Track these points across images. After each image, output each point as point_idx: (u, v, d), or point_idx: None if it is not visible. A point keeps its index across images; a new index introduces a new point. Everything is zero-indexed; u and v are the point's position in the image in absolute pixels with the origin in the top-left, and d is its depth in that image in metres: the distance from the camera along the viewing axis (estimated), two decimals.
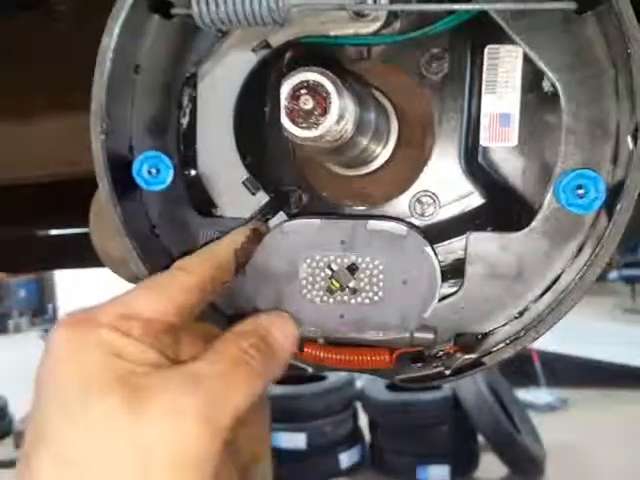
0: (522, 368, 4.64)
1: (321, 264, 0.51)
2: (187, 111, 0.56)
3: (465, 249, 0.51)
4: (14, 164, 1.10)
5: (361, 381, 4.14)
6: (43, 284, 9.37)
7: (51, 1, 0.89)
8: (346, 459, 3.99)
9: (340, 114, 0.43)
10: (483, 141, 0.53)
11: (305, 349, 0.52)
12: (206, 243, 0.52)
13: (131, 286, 0.45)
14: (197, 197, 0.56)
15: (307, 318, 0.51)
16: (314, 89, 0.42)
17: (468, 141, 0.54)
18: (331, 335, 0.52)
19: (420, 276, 0.49)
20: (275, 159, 0.57)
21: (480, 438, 3.89)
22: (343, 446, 3.99)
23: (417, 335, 0.50)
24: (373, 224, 0.50)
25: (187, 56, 0.55)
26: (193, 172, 0.56)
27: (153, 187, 0.54)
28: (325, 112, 0.42)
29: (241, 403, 0.40)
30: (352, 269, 0.50)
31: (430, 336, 0.51)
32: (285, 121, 0.43)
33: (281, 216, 0.55)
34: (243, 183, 0.55)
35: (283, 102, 0.43)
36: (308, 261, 0.51)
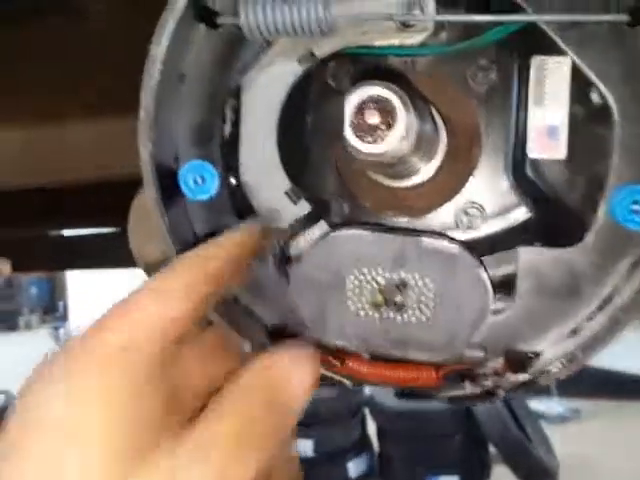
0: None
1: (369, 277, 0.50)
2: (230, 120, 0.56)
3: (515, 264, 0.50)
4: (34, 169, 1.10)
5: (370, 388, 4.10)
6: (54, 282, 9.43)
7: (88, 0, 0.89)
8: (354, 468, 3.95)
9: (406, 129, 0.42)
10: (531, 153, 0.52)
11: (347, 363, 0.51)
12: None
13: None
14: (239, 206, 0.55)
15: (351, 331, 0.50)
16: (380, 103, 0.42)
17: (515, 153, 0.53)
18: (375, 351, 0.51)
19: (471, 298, 0.48)
20: (316, 167, 0.57)
21: (491, 448, 3.86)
22: (351, 454, 3.95)
23: (467, 353, 0.49)
24: (426, 242, 0.49)
25: (233, 65, 0.55)
26: (236, 181, 0.56)
27: (198, 196, 0.54)
28: (390, 127, 0.42)
29: (252, 470, 0.36)
30: (400, 285, 0.49)
31: (480, 354, 0.50)
32: (350, 136, 0.43)
33: (322, 225, 0.54)
34: (286, 193, 0.54)
35: (348, 117, 0.42)
36: (356, 273, 0.50)
